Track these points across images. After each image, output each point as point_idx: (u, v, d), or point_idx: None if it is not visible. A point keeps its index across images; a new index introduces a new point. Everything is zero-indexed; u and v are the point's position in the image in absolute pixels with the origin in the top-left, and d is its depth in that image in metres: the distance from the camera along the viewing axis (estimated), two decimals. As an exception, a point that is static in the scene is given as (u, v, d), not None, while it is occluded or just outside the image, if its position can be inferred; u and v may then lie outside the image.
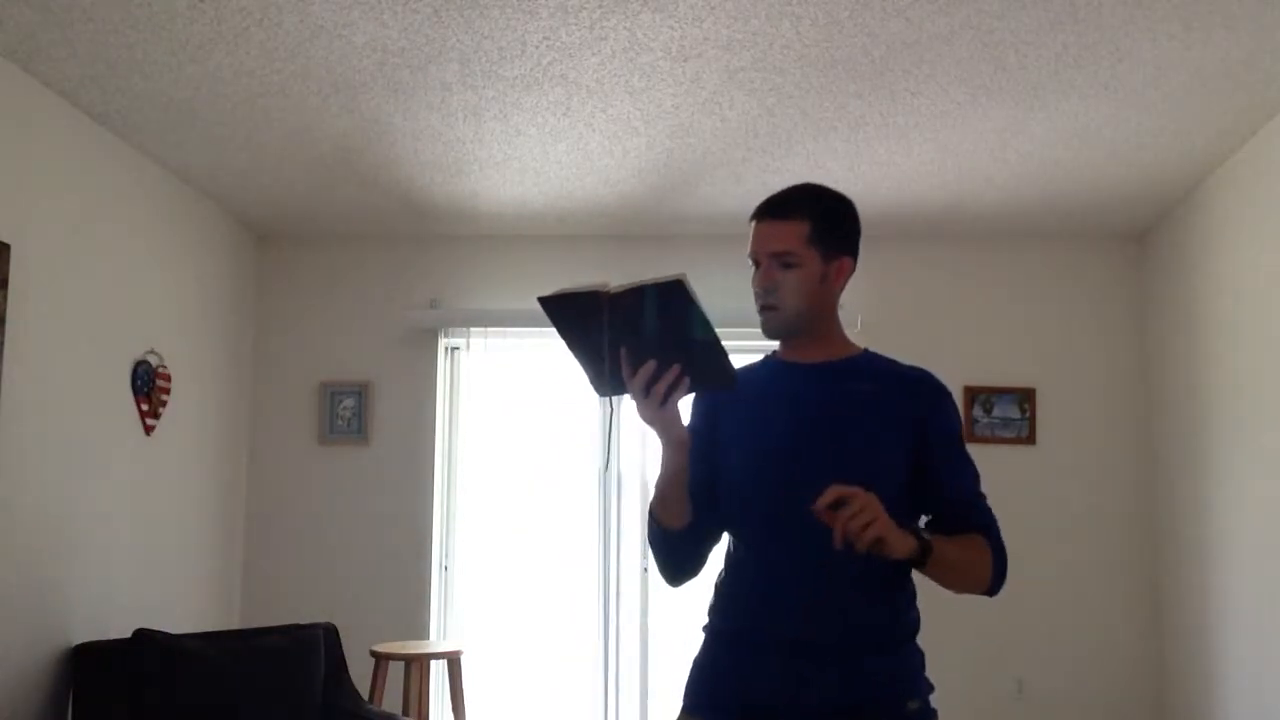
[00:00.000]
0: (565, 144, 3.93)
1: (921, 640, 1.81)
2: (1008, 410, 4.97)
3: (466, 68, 3.29)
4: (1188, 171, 4.16)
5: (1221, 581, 4.16)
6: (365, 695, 4.03)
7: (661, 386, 1.54)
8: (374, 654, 4.09)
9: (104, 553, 3.82)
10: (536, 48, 3.15)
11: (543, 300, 1.53)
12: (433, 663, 4.37)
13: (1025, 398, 4.97)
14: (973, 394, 4.97)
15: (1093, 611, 4.85)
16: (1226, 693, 4.11)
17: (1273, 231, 3.71)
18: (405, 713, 4.04)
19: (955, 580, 1.66)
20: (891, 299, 5.05)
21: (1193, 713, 4.45)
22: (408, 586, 4.92)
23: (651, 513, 1.71)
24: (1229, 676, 4.09)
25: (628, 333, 1.52)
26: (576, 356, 1.60)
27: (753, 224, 1.73)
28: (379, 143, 3.92)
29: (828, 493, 1.47)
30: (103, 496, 3.81)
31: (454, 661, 4.14)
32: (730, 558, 1.76)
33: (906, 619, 1.72)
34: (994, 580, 1.71)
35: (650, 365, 1.54)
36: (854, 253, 1.78)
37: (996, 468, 4.92)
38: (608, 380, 1.59)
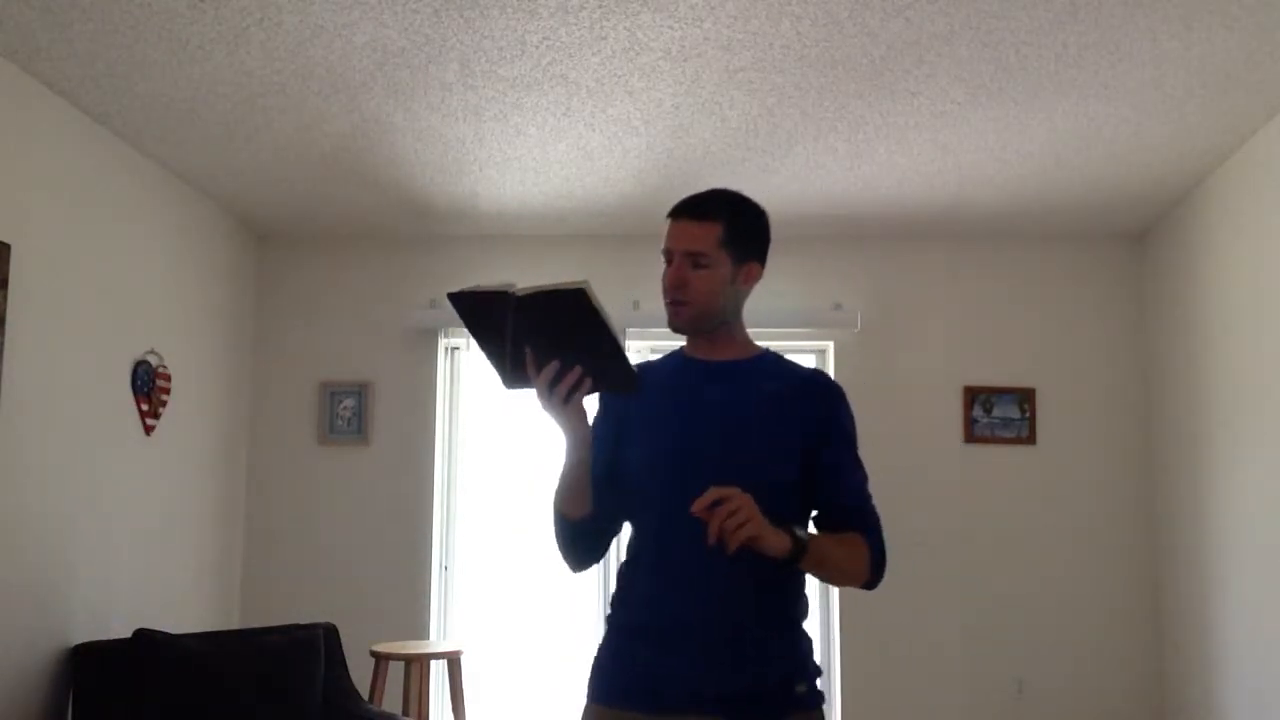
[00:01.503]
0: (565, 144, 3.93)
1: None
2: (1008, 410, 4.97)
3: (466, 68, 3.29)
4: (1188, 171, 4.16)
5: (1221, 581, 4.16)
6: (365, 695, 4.03)
7: (563, 388, 1.61)
8: (374, 654, 4.09)
9: (104, 553, 3.82)
10: (536, 48, 3.15)
11: (451, 296, 1.57)
12: (433, 663, 4.37)
13: (1025, 398, 4.97)
14: (973, 394, 4.97)
15: (1093, 611, 4.85)
16: (1226, 693, 4.11)
17: (1273, 231, 3.71)
18: (405, 713, 4.04)
19: (831, 577, 1.77)
20: (891, 299, 5.05)
21: (1193, 713, 4.45)
22: (408, 586, 4.92)
23: (555, 504, 1.77)
24: (1229, 676, 4.09)
25: (533, 333, 1.58)
26: (483, 350, 1.65)
27: (669, 221, 1.78)
28: (379, 143, 3.92)
29: (707, 494, 1.54)
30: (103, 496, 3.81)
31: (454, 661, 4.14)
32: (631, 549, 1.82)
33: (796, 608, 1.78)
34: (870, 579, 1.78)
35: (554, 365, 1.60)
36: (762, 259, 1.83)
37: (996, 468, 4.95)
38: (511, 374, 1.64)
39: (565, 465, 1.72)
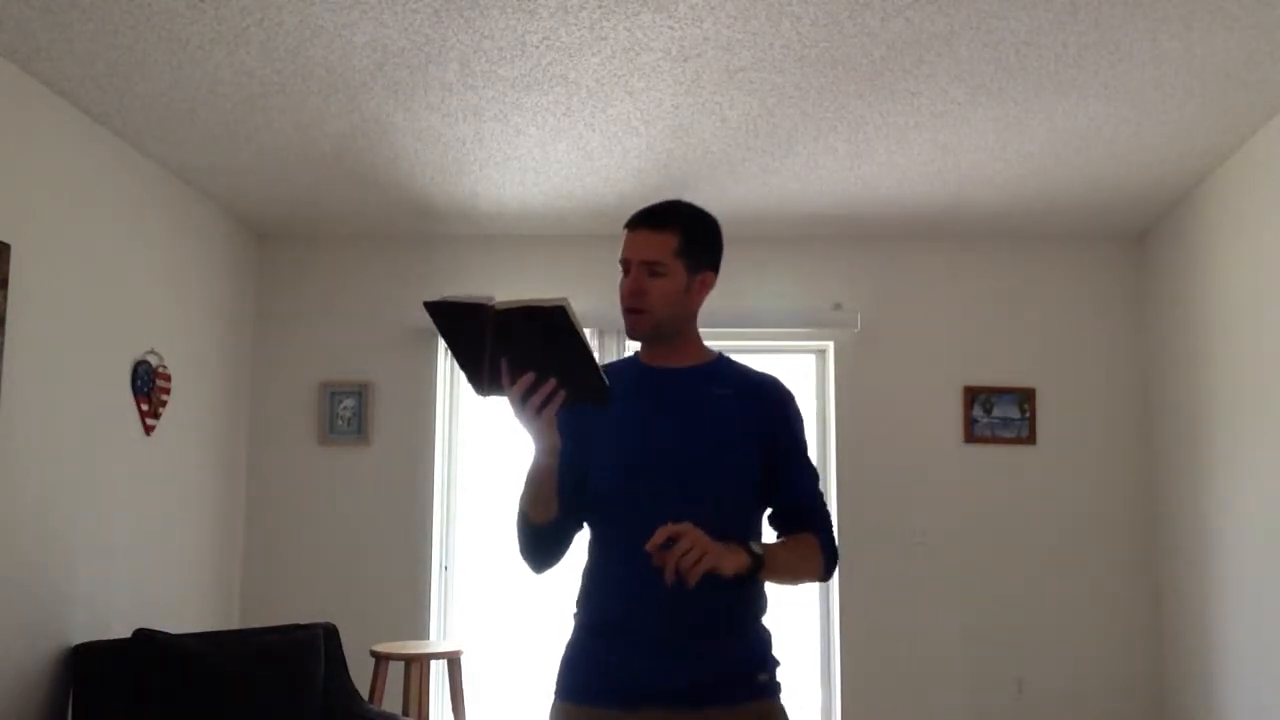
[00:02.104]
0: (565, 144, 3.93)
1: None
2: (1008, 410, 4.97)
3: (466, 68, 3.29)
4: (1188, 171, 4.16)
5: (1221, 581, 4.16)
6: (365, 695, 4.03)
7: (537, 399, 1.63)
8: (374, 654, 4.09)
9: (104, 553, 3.82)
10: (536, 48, 3.15)
11: (428, 305, 1.59)
12: (433, 663, 4.37)
13: (1025, 398, 4.97)
14: (973, 394, 4.97)
15: (1093, 611, 4.85)
16: (1226, 692, 4.11)
17: (1273, 231, 3.71)
18: (405, 713, 4.04)
19: (786, 581, 1.82)
20: (891, 299, 5.05)
21: (1193, 713, 4.45)
22: (408, 586, 4.92)
23: (520, 508, 1.80)
24: (1229, 676, 4.09)
25: (509, 345, 1.60)
26: (456, 358, 1.67)
27: (626, 231, 1.84)
28: (379, 143, 3.92)
29: (657, 534, 1.59)
30: (103, 496, 3.81)
31: (454, 661, 4.14)
32: (593, 549, 1.87)
33: (756, 604, 1.84)
34: (822, 575, 1.86)
35: (529, 377, 1.62)
36: (716, 268, 1.89)
37: (996, 468, 4.95)
38: (485, 383, 1.67)
39: (532, 471, 1.75)
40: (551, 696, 1.88)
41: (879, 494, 4.89)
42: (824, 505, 1.89)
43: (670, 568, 1.58)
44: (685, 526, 1.60)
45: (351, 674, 3.97)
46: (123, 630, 3.83)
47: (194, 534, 4.53)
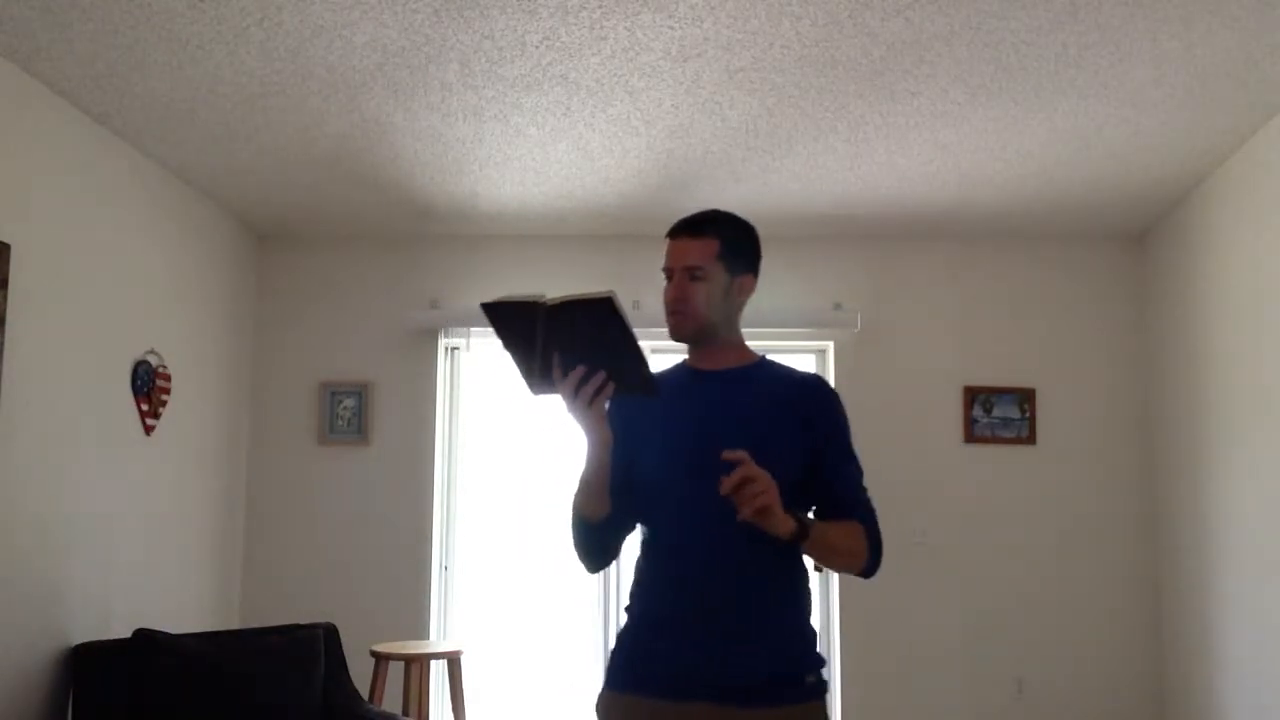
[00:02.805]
0: (565, 144, 3.93)
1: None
2: (1008, 410, 4.97)
3: (466, 68, 3.29)
4: (1188, 171, 4.16)
5: (1221, 581, 4.16)
6: (365, 695, 4.03)
7: (589, 390, 1.70)
8: (374, 654, 4.09)
9: (104, 553, 3.82)
10: (536, 48, 3.15)
11: (485, 306, 1.66)
12: (433, 663, 4.37)
13: (1025, 398, 4.97)
14: (973, 394, 4.97)
15: (1093, 611, 4.85)
16: (1226, 692, 4.11)
17: (1273, 231, 3.71)
18: (405, 713, 4.04)
19: (832, 560, 1.86)
20: (891, 299, 5.05)
21: (1193, 713, 4.45)
22: (408, 586, 4.92)
23: (574, 505, 1.87)
24: (1229, 676, 4.09)
25: (560, 340, 1.67)
26: (512, 356, 1.74)
27: (668, 240, 1.93)
28: (379, 143, 3.92)
29: (736, 472, 1.65)
30: (103, 496, 3.81)
31: (454, 661, 4.14)
32: (645, 546, 1.93)
33: (801, 601, 1.90)
34: (868, 565, 1.89)
35: (579, 370, 1.70)
36: (756, 271, 1.98)
37: (996, 468, 4.95)
38: (539, 380, 1.73)
39: (586, 468, 1.82)
40: (601, 688, 1.92)
41: (879, 494, 4.81)
42: (869, 502, 1.93)
43: (732, 483, 1.63)
44: (761, 471, 1.64)
45: (351, 674, 3.97)
46: (123, 630, 3.83)
47: (194, 534, 4.53)
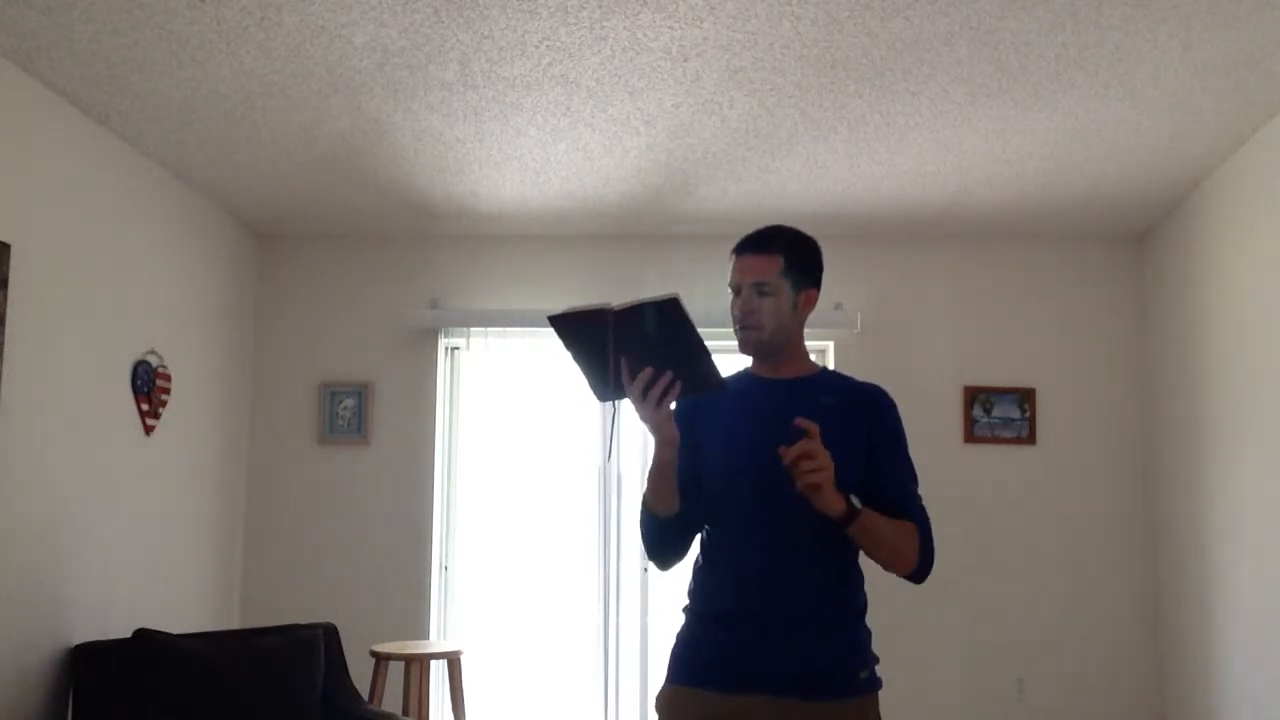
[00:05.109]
0: (565, 144, 3.93)
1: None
2: (1008, 410, 4.97)
3: (466, 68, 3.29)
4: (1188, 171, 4.16)
5: (1221, 582, 4.16)
6: (365, 695, 4.03)
7: (657, 390, 1.77)
8: (374, 654, 4.09)
9: (104, 553, 3.82)
10: (536, 48, 3.15)
11: (552, 319, 1.73)
12: (433, 663, 4.37)
13: (1025, 398, 4.97)
14: (973, 394, 4.97)
15: (1093, 611, 4.85)
16: (1226, 693, 4.11)
17: (1273, 231, 3.71)
18: (405, 713, 4.04)
19: (882, 554, 1.91)
20: (891, 299, 5.05)
21: (1193, 713, 4.45)
22: (408, 586, 4.92)
23: (645, 503, 1.96)
24: (1229, 677, 4.09)
25: (628, 344, 1.74)
26: (581, 367, 1.80)
27: (734, 257, 2.02)
28: (379, 143, 3.92)
29: (798, 445, 1.74)
30: (103, 496, 3.81)
31: (454, 661, 4.14)
32: (706, 545, 2.01)
33: (857, 600, 1.98)
34: (919, 566, 1.95)
35: (648, 372, 1.76)
36: (818, 285, 2.05)
37: (996, 468, 4.95)
38: (610, 387, 1.80)
39: (654, 466, 1.89)
40: (664, 682, 1.99)
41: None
42: (924, 510, 1.99)
43: (794, 454, 1.72)
44: (821, 449, 1.73)
45: (351, 674, 3.97)
46: (123, 630, 3.83)
47: (194, 534, 4.53)
